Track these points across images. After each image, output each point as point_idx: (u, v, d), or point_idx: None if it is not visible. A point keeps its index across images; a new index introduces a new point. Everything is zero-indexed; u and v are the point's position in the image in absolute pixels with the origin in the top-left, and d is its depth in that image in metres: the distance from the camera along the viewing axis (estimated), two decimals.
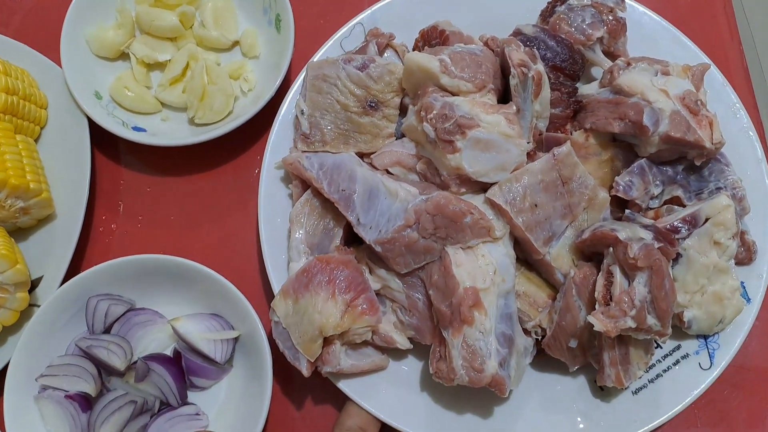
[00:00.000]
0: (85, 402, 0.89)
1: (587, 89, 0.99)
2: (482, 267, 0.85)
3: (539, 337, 0.89)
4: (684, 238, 0.87)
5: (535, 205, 0.87)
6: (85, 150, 1.01)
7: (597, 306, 0.82)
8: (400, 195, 0.88)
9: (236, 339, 0.95)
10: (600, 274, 0.85)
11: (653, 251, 0.81)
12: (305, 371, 0.86)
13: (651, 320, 0.81)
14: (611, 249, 0.84)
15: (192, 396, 0.95)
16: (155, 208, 1.07)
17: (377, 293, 0.91)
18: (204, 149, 1.07)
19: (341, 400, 0.91)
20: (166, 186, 1.08)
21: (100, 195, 1.08)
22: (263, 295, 1.01)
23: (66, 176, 1.03)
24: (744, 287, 0.93)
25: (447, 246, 0.86)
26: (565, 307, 0.86)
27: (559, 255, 0.89)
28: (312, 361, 0.86)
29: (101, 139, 1.07)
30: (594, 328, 0.80)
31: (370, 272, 0.92)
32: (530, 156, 0.91)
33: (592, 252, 0.89)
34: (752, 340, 0.98)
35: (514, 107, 0.89)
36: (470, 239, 0.86)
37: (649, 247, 0.81)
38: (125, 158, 1.10)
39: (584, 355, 0.88)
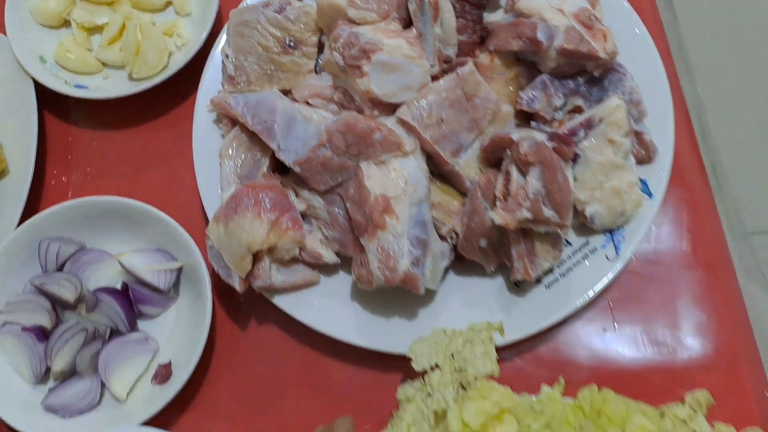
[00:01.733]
0: (41, 333, 0.97)
1: (493, 17, 1.05)
2: (393, 179, 0.92)
3: (455, 242, 0.96)
4: (582, 140, 0.94)
5: (442, 120, 0.94)
6: (32, 109, 1.09)
7: (497, 203, 0.89)
8: (314, 119, 0.95)
9: (180, 270, 1.03)
10: (500, 175, 0.92)
11: (543, 148, 0.87)
12: (238, 287, 0.93)
13: (548, 212, 0.87)
14: (508, 151, 0.91)
15: (142, 325, 1.02)
16: (102, 159, 1.15)
17: (303, 214, 0.98)
18: (143, 102, 1.14)
19: (283, 320, 0.98)
20: (111, 139, 1.16)
21: (51, 152, 1.16)
22: (204, 229, 1.08)
23: (16, 136, 1.10)
24: (647, 184, 0.99)
25: (361, 162, 0.93)
26: (473, 210, 0.92)
27: (467, 165, 0.96)
28: (244, 277, 0.93)
29: (51, 103, 1.15)
30: (495, 223, 0.87)
31: (296, 195, 0.99)
32: (438, 79, 0.98)
33: (498, 159, 0.96)
34: (664, 237, 1.05)
35: (415, 31, 0.96)
36: (381, 154, 0.93)
37: (539, 144, 0.87)
38: (73, 116, 1.18)
39: (496, 254, 0.95)
